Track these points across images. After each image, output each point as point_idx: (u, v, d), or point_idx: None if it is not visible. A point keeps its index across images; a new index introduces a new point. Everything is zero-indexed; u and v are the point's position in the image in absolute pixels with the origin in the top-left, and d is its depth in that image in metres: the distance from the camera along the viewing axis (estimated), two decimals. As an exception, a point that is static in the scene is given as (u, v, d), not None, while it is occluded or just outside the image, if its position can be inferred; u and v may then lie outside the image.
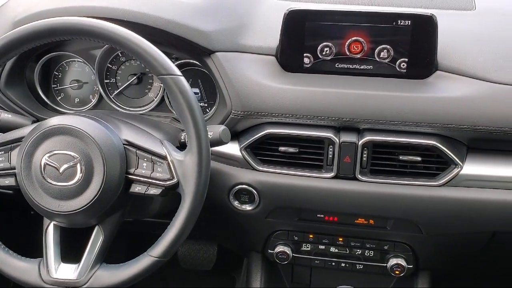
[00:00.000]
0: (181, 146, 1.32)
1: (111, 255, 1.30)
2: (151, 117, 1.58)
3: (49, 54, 1.62)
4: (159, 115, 1.61)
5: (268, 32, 1.46)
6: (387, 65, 1.38)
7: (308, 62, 1.41)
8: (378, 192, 1.40)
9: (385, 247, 1.55)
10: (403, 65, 1.37)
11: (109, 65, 1.62)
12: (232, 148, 1.44)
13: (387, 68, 1.39)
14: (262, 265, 1.79)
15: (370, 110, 1.35)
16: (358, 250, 1.58)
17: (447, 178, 1.36)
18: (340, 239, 1.57)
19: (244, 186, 1.45)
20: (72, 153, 1.18)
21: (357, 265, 1.61)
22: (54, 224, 1.27)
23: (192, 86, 1.59)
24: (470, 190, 1.37)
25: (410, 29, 1.33)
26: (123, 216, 1.29)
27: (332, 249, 1.59)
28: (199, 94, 1.59)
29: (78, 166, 1.18)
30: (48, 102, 1.66)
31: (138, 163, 1.22)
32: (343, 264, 1.61)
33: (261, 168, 1.44)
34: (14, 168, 1.23)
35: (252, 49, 1.43)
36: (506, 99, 1.31)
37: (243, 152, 1.43)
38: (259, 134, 1.41)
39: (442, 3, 1.58)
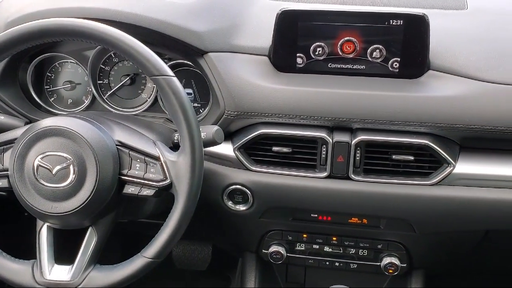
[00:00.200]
0: (174, 147, 1.32)
1: (105, 255, 1.30)
2: (144, 118, 1.58)
3: (42, 55, 1.61)
4: (152, 116, 1.61)
5: (261, 32, 1.46)
6: (380, 65, 1.39)
7: (300, 62, 1.41)
8: (371, 192, 1.40)
9: (379, 246, 1.56)
10: (396, 64, 1.38)
11: (102, 66, 1.62)
12: (226, 149, 1.44)
13: (379, 67, 1.39)
14: (256, 265, 1.79)
15: (363, 109, 1.35)
16: (352, 250, 1.58)
17: (440, 177, 1.37)
18: (334, 238, 1.57)
19: (237, 186, 1.45)
20: (65, 155, 1.18)
21: (351, 264, 1.61)
22: (47, 225, 1.27)
23: (185, 86, 1.59)
24: (463, 188, 1.38)
25: (402, 28, 1.33)
26: (117, 217, 1.29)
27: (326, 249, 1.60)
28: (192, 95, 1.59)
29: (71, 167, 1.18)
30: (41, 103, 1.66)
31: (131, 164, 1.22)
32: (337, 264, 1.61)
33: (254, 168, 1.44)
34: (7, 170, 1.23)
35: (245, 50, 1.43)
36: (498, 98, 1.32)
37: (236, 152, 1.43)
38: (252, 134, 1.41)
39: (434, 2, 1.58)
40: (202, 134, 1.22)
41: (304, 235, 1.58)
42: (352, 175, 1.40)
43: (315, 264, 1.63)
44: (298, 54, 1.40)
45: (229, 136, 1.45)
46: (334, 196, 1.42)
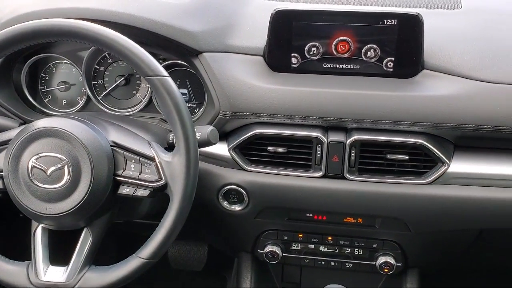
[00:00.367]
0: (169, 147, 1.32)
1: (101, 256, 1.30)
2: (139, 118, 1.58)
3: (36, 56, 1.61)
4: (147, 116, 1.61)
5: (256, 32, 1.46)
6: (374, 65, 1.39)
7: (295, 62, 1.41)
8: (366, 191, 1.40)
9: (374, 246, 1.56)
10: (390, 64, 1.38)
11: (96, 66, 1.62)
12: (221, 149, 1.44)
13: (374, 67, 1.39)
14: (252, 265, 1.79)
15: (358, 109, 1.35)
16: (347, 249, 1.58)
17: (434, 176, 1.37)
18: (330, 238, 1.57)
19: (233, 186, 1.45)
20: (59, 155, 1.18)
21: (347, 264, 1.61)
22: (42, 226, 1.26)
23: (180, 87, 1.58)
24: (457, 188, 1.38)
25: (397, 28, 1.34)
26: (112, 218, 1.29)
27: (322, 248, 1.60)
28: (187, 95, 1.59)
29: (66, 168, 1.17)
30: (36, 104, 1.65)
31: (126, 165, 1.22)
32: (332, 263, 1.62)
33: (250, 168, 1.44)
34: (1, 171, 1.23)
35: (240, 50, 1.43)
36: (492, 97, 1.32)
37: (231, 152, 1.43)
38: (247, 134, 1.41)
39: (428, 2, 1.58)
40: (197, 135, 1.22)
41: (300, 235, 1.58)
42: (347, 175, 1.40)
43: (310, 263, 1.63)
44: (292, 54, 1.41)
45: (224, 136, 1.45)
46: (329, 195, 1.42)
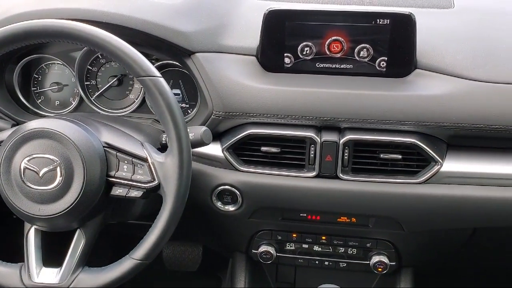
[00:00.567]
0: (162, 148, 1.32)
1: (94, 257, 1.29)
2: (132, 119, 1.57)
3: (29, 57, 1.60)
4: (140, 117, 1.61)
5: (248, 32, 1.46)
6: (367, 64, 1.39)
7: (288, 62, 1.41)
8: (360, 190, 1.40)
9: (368, 245, 1.56)
10: (383, 64, 1.38)
11: (89, 67, 1.61)
12: (214, 149, 1.44)
13: (367, 67, 1.39)
14: (246, 265, 1.79)
15: (351, 109, 1.35)
16: (341, 248, 1.58)
17: (427, 175, 1.38)
18: (323, 237, 1.57)
19: (226, 186, 1.45)
20: (52, 157, 1.17)
21: (341, 263, 1.61)
22: (35, 228, 1.26)
23: (173, 87, 1.58)
24: (450, 187, 1.38)
25: (389, 28, 1.34)
26: (105, 219, 1.28)
27: (316, 248, 1.60)
28: (180, 95, 1.59)
29: (58, 169, 1.17)
30: (28, 105, 1.64)
31: (118, 166, 1.22)
32: (326, 263, 1.62)
33: (243, 169, 1.44)
34: (-6, 173, 1.22)
35: (233, 50, 1.43)
36: (484, 97, 1.33)
37: (225, 152, 1.43)
38: (241, 135, 1.41)
39: (421, 2, 1.59)
40: (190, 135, 1.22)
41: (294, 235, 1.58)
42: (341, 174, 1.40)
43: (304, 263, 1.63)
44: (285, 54, 1.41)
45: (217, 136, 1.45)
46: (322, 195, 1.43)
